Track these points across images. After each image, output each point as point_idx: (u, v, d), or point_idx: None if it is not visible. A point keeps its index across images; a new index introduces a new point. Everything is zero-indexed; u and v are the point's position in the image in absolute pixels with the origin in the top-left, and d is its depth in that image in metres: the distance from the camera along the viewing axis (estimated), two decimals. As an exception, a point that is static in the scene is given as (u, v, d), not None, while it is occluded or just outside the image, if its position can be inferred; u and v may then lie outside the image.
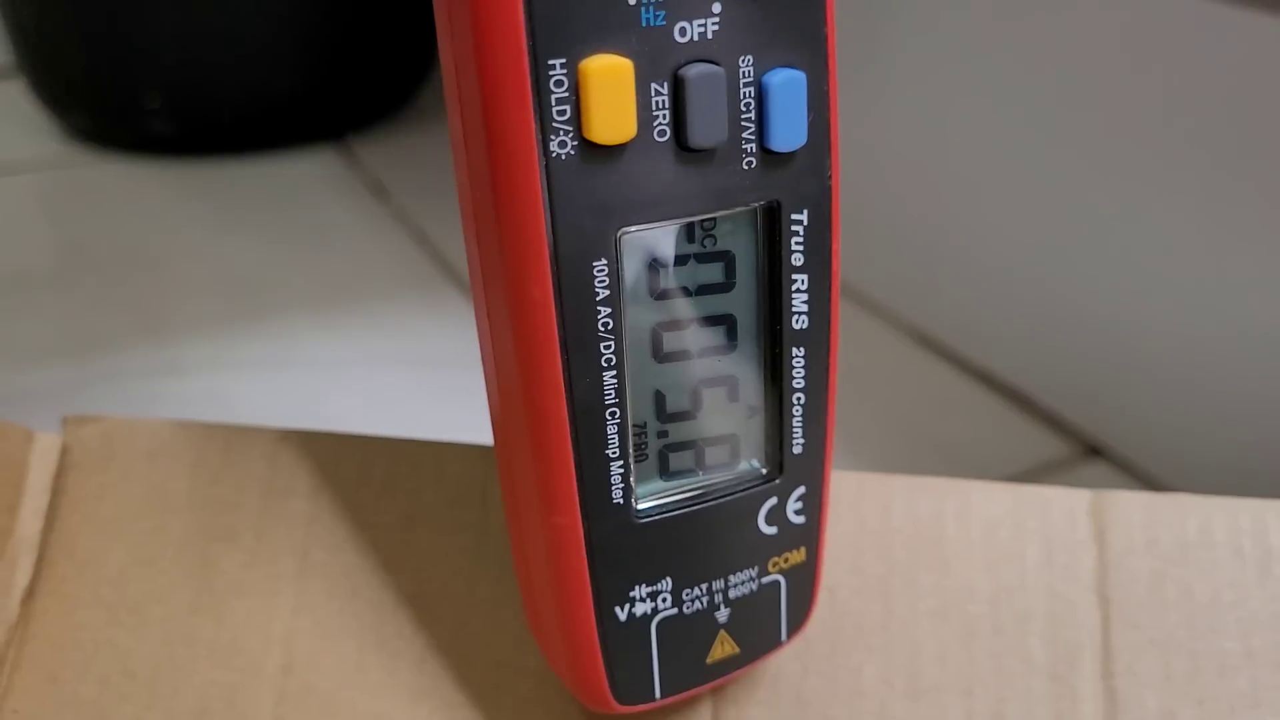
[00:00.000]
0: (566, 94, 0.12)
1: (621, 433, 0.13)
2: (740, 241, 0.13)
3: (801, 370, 0.14)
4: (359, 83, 0.59)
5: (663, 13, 0.12)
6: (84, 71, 0.55)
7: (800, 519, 0.15)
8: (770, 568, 0.15)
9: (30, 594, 0.18)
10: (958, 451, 0.33)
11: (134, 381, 0.40)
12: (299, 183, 0.55)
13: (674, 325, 0.13)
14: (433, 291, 0.46)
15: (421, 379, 0.40)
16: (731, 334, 0.14)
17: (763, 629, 0.15)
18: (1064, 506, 0.17)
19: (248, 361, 0.41)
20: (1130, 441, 0.32)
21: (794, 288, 0.14)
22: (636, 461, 0.14)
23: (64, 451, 0.19)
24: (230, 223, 0.51)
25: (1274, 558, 0.17)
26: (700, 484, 0.14)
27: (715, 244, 0.13)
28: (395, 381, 0.40)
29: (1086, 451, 0.33)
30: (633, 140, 0.12)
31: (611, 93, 0.12)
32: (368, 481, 0.18)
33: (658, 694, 0.14)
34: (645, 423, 0.14)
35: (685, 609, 0.14)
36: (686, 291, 0.13)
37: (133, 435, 0.19)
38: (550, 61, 0.12)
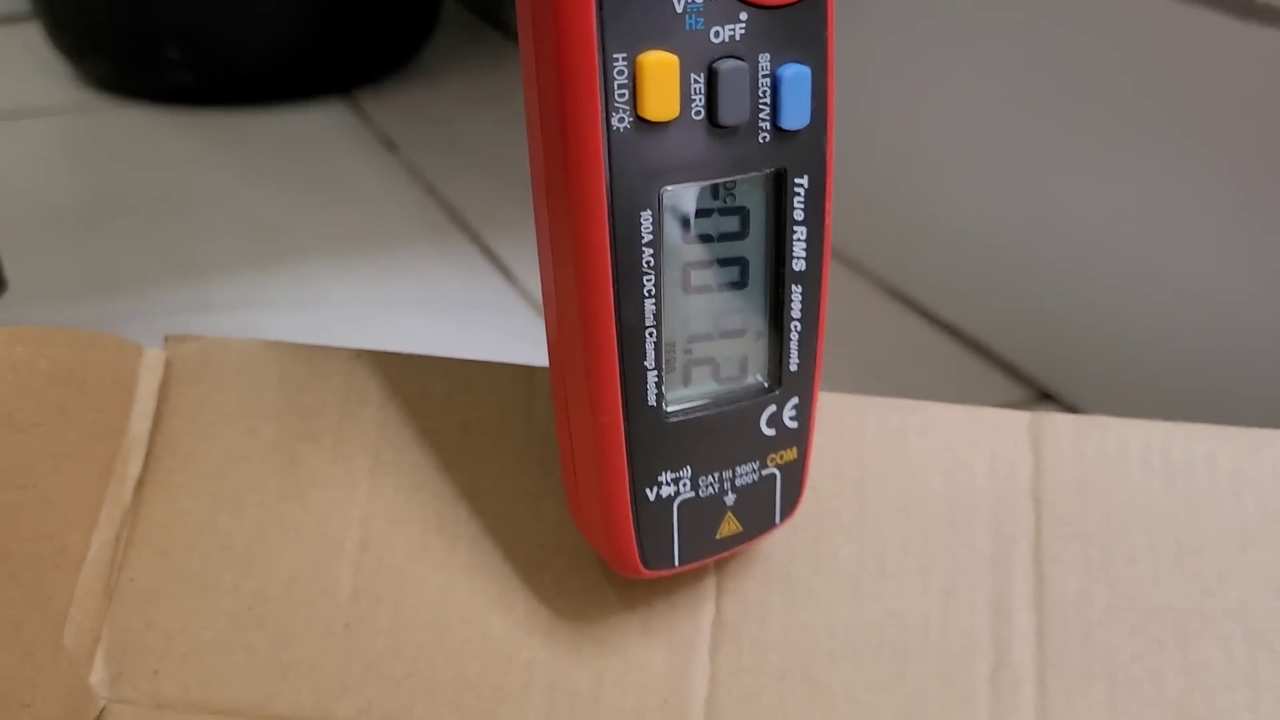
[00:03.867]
0: (626, 81, 0.15)
1: (656, 349, 0.17)
2: (754, 199, 0.17)
3: (799, 303, 0.17)
4: (366, 40, 0.62)
5: (701, 19, 0.15)
6: (106, 21, 0.57)
7: (794, 424, 0.18)
8: (769, 462, 0.18)
9: (141, 484, 0.21)
10: (923, 394, 0.37)
11: (165, 318, 0.43)
12: (312, 134, 0.58)
13: (699, 265, 0.17)
14: (441, 238, 0.49)
15: (431, 317, 0.43)
16: (744, 273, 0.17)
17: (761, 512, 0.19)
18: (1008, 425, 0.21)
19: (272, 301, 0.44)
20: (1076, 388, 0.35)
21: (795, 238, 0.17)
22: (667, 373, 0.17)
23: (167, 365, 0.22)
24: (249, 170, 0.54)
25: (1176, 470, 0.20)
26: (716, 392, 0.18)
27: (734, 201, 0.17)
28: (407, 319, 0.43)
29: (1039, 396, 0.37)
30: (675, 118, 0.15)
31: (660, 80, 0.15)
32: (429, 395, 0.21)
33: (676, 562, 0.18)
34: (675, 342, 0.17)
35: (700, 493, 0.18)
36: (709, 238, 0.17)
37: (227, 352, 0.22)
38: (615, 55, 0.15)
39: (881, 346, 0.40)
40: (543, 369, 0.20)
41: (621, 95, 0.15)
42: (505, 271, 0.46)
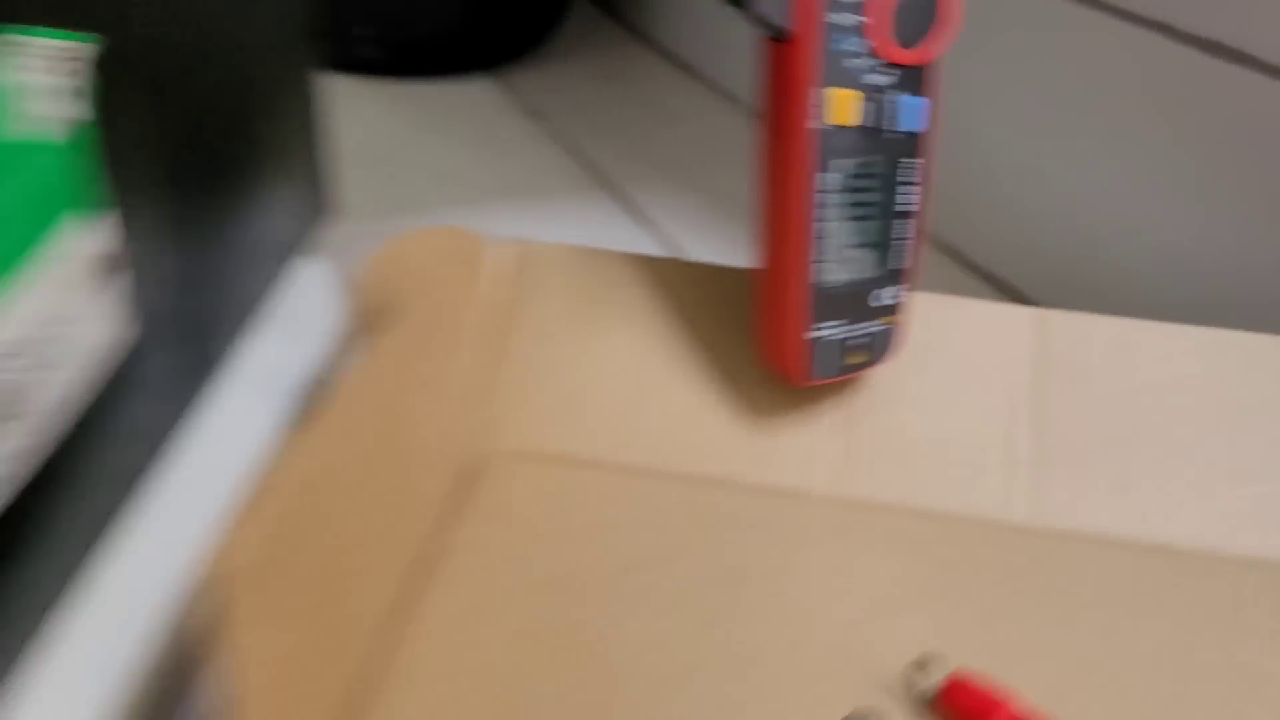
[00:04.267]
0: (825, 102, 0.28)
1: (825, 250, 0.30)
2: (886, 169, 0.30)
3: (905, 230, 0.31)
4: (510, 26, 0.75)
5: (876, 74, 0.28)
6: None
7: (899, 300, 0.32)
8: (882, 322, 0.32)
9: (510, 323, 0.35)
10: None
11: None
12: (471, 103, 0.71)
13: (854, 204, 0.30)
14: (585, 191, 0.62)
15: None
16: (876, 211, 0.31)
17: (877, 352, 0.32)
18: (1016, 317, 0.34)
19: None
20: (1048, 293, 0.48)
21: (905, 193, 0.30)
22: (830, 264, 0.31)
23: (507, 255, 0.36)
24: (424, 130, 0.67)
25: (1132, 351, 0.34)
26: (859, 276, 0.31)
27: (875, 169, 0.30)
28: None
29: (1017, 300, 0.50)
30: (852, 125, 0.29)
31: (846, 104, 0.28)
32: (676, 286, 0.35)
33: (827, 376, 0.31)
34: (836, 246, 0.31)
35: (844, 336, 0.31)
36: (860, 189, 0.30)
37: (544, 250, 0.35)
38: (821, 90, 0.28)
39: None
40: (739, 269, 0.34)
41: (824, 110, 0.28)
42: (640, 217, 0.60)
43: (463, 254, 0.34)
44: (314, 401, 0.33)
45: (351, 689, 0.25)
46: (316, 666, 0.23)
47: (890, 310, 0.32)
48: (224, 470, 0.31)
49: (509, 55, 0.76)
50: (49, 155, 0.23)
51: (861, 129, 0.29)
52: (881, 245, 0.31)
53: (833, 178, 0.29)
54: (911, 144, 0.30)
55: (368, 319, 0.31)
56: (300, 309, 0.39)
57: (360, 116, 0.68)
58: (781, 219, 0.30)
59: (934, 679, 0.26)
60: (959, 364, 0.34)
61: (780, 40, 0.28)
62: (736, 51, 0.73)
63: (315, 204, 0.47)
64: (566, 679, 0.26)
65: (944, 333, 0.34)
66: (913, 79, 0.29)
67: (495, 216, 0.59)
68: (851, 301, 0.31)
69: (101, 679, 0.26)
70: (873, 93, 0.29)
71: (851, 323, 0.31)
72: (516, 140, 0.68)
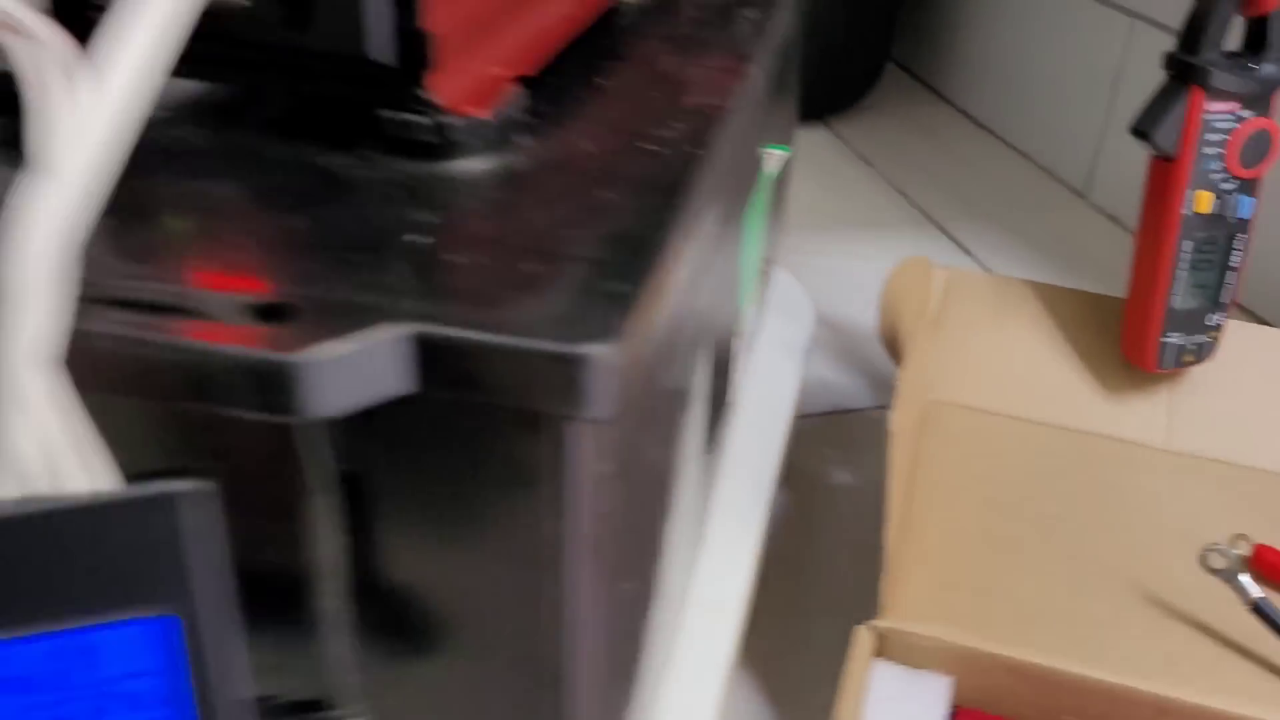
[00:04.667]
0: (1193, 199, 0.46)
1: (1176, 283, 0.48)
2: (1224, 241, 0.48)
3: (1230, 279, 0.48)
4: (838, 84, 0.94)
5: (1225, 182, 0.46)
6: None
7: (1220, 323, 0.49)
8: (1209, 336, 0.49)
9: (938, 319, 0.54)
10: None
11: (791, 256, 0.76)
12: (813, 148, 0.91)
13: (1200, 260, 0.48)
14: (918, 228, 0.81)
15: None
16: (1214, 265, 0.48)
17: (1203, 350, 0.49)
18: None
19: (831, 251, 0.77)
20: None
21: (1234, 255, 0.48)
22: (1180, 294, 0.48)
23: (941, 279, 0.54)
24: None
25: None
26: (1197, 305, 0.48)
27: (1217, 240, 0.48)
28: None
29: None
30: (1207, 212, 0.46)
31: (1205, 201, 0.46)
32: (1067, 311, 0.53)
33: (1167, 367, 0.49)
34: (1185, 280, 0.48)
35: (1183, 343, 0.49)
36: (1205, 252, 0.48)
37: (963, 274, 0.54)
38: (1190, 191, 0.46)
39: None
40: (1120, 300, 0.52)
41: (1190, 203, 0.46)
42: (964, 249, 0.78)
43: (923, 275, 0.53)
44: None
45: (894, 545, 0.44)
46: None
47: (1215, 329, 0.49)
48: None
49: (836, 108, 0.95)
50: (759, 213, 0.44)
51: (1212, 215, 0.47)
52: (1214, 287, 0.48)
53: (1189, 243, 0.47)
54: (1243, 226, 0.47)
55: (886, 323, 0.51)
56: (786, 302, 0.59)
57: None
58: (1153, 265, 0.48)
59: (1247, 548, 0.43)
60: (1254, 367, 0.51)
61: (1168, 160, 0.46)
62: (1022, 114, 0.90)
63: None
64: (1022, 529, 0.44)
65: (1242, 347, 0.51)
66: (1248, 186, 0.47)
67: (849, 243, 0.77)
68: (1190, 320, 0.48)
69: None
70: (1221, 194, 0.46)
71: (1188, 334, 0.49)
72: (853, 180, 0.87)
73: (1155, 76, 0.46)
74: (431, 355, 0.19)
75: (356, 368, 0.19)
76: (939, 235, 0.80)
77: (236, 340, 0.19)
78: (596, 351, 0.19)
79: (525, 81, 0.27)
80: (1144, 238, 0.48)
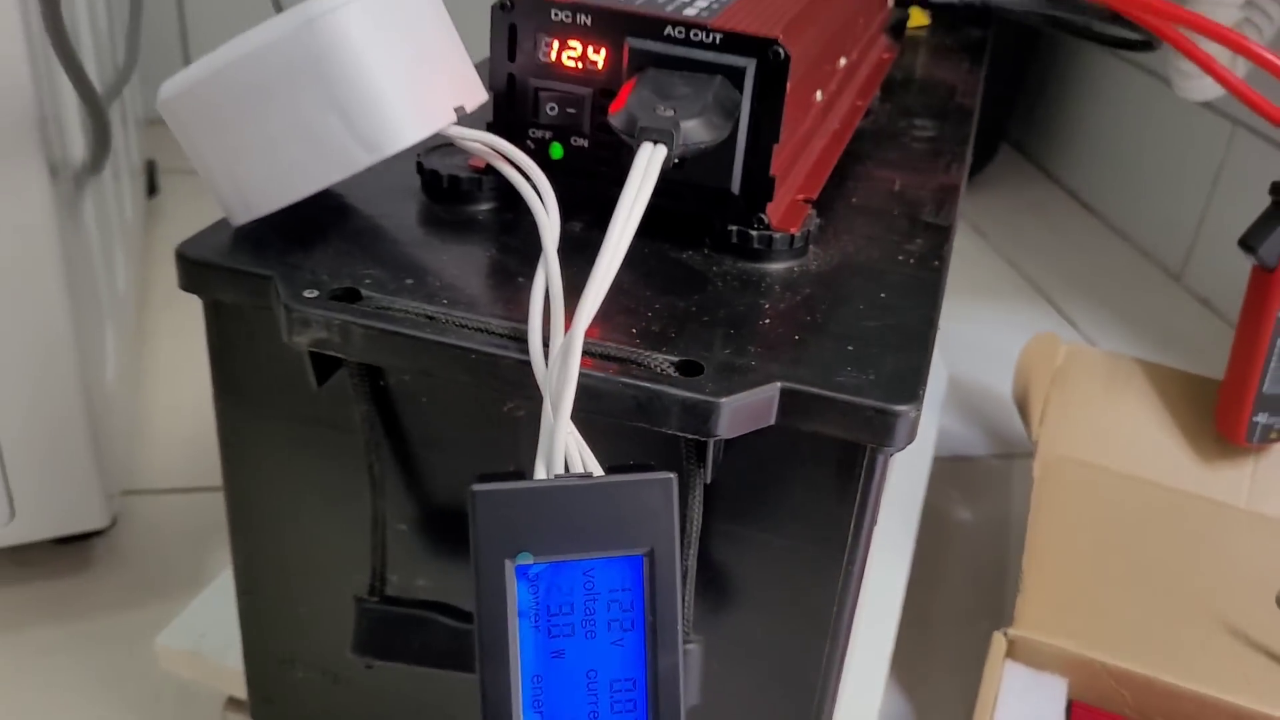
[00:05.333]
0: (1287, 304, 0.56)
1: (1271, 373, 0.57)
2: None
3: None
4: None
5: (1312, 291, 0.55)
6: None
7: (1303, 408, 0.58)
8: (1293, 418, 0.58)
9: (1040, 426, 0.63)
10: None
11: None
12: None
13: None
14: (1024, 298, 0.90)
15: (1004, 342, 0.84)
16: (1300, 359, 0.57)
17: (1285, 433, 0.59)
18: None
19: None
20: None
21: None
22: (1270, 376, 0.57)
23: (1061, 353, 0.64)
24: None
25: None
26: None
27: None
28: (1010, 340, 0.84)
29: None
30: (1298, 315, 0.56)
31: (1297, 305, 0.56)
32: (1165, 388, 0.63)
33: (1255, 442, 0.58)
34: (1271, 365, 0.57)
35: (1270, 422, 0.58)
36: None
37: (1080, 349, 0.64)
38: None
39: None
40: (1213, 380, 0.61)
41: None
42: (1071, 323, 0.87)
43: (1051, 349, 0.63)
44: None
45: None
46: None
47: (1297, 412, 0.58)
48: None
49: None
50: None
51: (1303, 318, 0.56)
52: (1300, 378, 0.58)
53: (1281, 340, 0.56)
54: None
55: (1019, 387, 0.60)
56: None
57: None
58: (1249, 355, 0.57)
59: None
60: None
61: (1268, 271, 0.55)
62: (1126, 199, 0.99)
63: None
64: (1141, 555, 0.54)
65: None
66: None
67: (963, 308, 0.87)
68: (1277, 404, 0.58)
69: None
70: (1312, 301, 0.56)
71: (1274, 415, 0.58)
72: (969, 251, 0.97)
73: (1252, 177, 0.56)
74: (792, 403, 0.30)
75: (750, 409, 0.29)
76: (1046, 306, 0.90)
77: (674, 387, 0.29)
78: (904, 409, 0.29)
79: (812, 202, 0.38)
80: (1243, 331, 0.58)
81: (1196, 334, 0.86)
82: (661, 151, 0.31)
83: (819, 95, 0.40)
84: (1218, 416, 0.60)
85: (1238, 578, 0.54)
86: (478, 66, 0.36)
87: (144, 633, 0.53)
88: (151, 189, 0.91)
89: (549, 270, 0.30)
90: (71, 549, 0.59)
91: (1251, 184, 0.55)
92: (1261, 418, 0.58)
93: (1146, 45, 0.62)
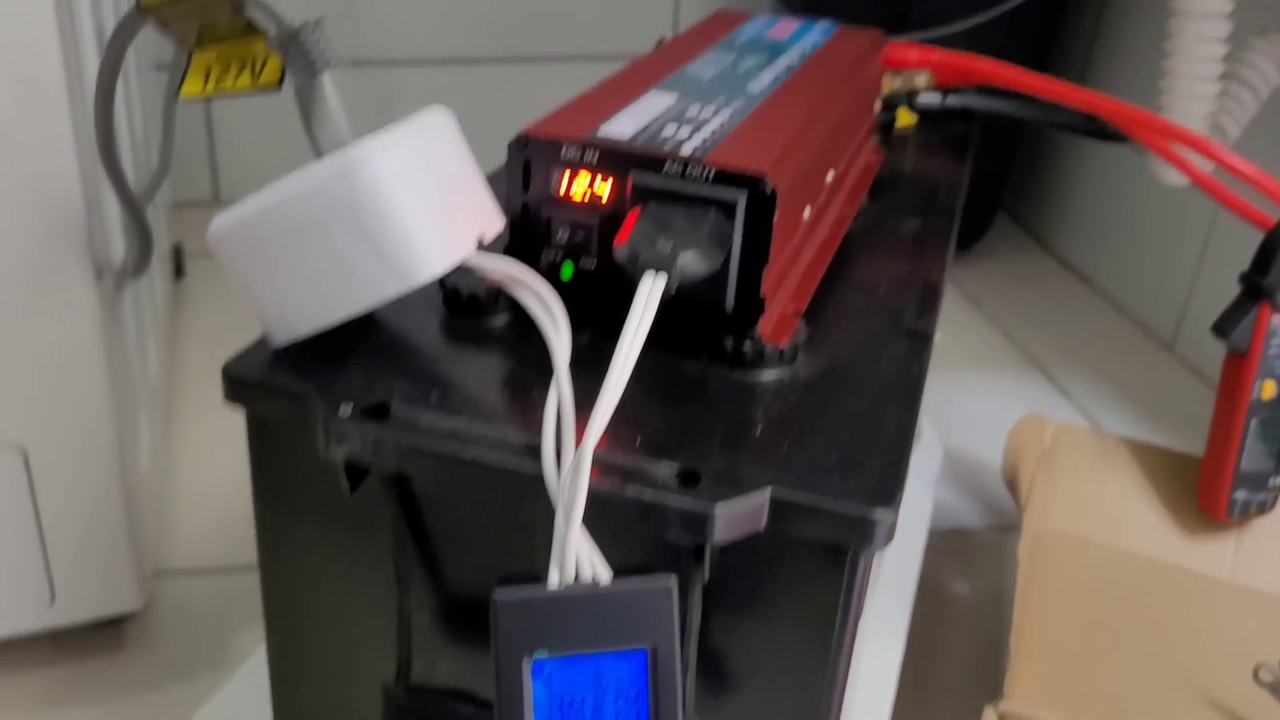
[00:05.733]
0: (1260, 386, 0.58)
1: (1243, 452, 0.60)
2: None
3: (1290, 449, 0.60)
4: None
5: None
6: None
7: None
8: (1272, 493, 0.61)
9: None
10: None
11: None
12: (929, 288, 1.04)
13: (1264, 434, 0.60)
14: (1019, 369, 0.93)
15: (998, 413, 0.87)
16: (1276, 436, 0.60)
17: (1265, 504, 0.61)
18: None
19: (936, 386, 0.89)
20: None
21: None
22: (1245, 459, 0.60)
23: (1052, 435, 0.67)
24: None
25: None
26: (1262, 469, 0.61)
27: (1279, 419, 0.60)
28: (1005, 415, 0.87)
29: None
30: (1270, 399, 0.59)
31: (1270, 389, 0.58)
32: (1149, 467, 0.65)
33: (1235, 517, 0.61)
34: (1257, 450, 0.60)
35: (1248, 499, 0.61)
36: (1269, 427, 0.60)
37: (1066, 428, 0.67)
38: (1258, 380, 0.58)
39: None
40: (1195, 457, 0.64)
41: (1258, 390, 0.59)
42: (1064, 393, 0.90)
43: (1039, 430, 0.66)
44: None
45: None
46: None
47: (1276, 488, 0.61)
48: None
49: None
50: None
51: (1275, 401, 0.59)
52: (1275, 456, 0.60)
53: (1255, 421, 0.59)
54: (1300, 410, 0.60)
55: (1009, 467, 0.63)
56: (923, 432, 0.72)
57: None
58: (1226, 435, 0.60)
59: (1293, 668, 0.55)
60: (1307, 521, 0.63)
61: (1240, 355, 0.58)
62: (1118, 268, 1.03)
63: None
64: (1136, 619, 0.56)
65: (1300, 503, 0.63)
66: (1306, 379, 0.59)
67: (959, 379, 0.90)
68: (1256, 481, 0.61)
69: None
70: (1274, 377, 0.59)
71: (1253, 491, 0.61)
72: (964, 321, 1.00)
73: (1238, 247, 0.58)
74: (781, 509, 0.33)
75: (743, 516, 0.33)
76: (1040, 377, 0.93)
77: (677, 497, 0.32)
78: (882, 515, 0.32)
79: (801, 313, 0.41)
80: (1220, 412, 0.61)
81: (1189, 404, 0.89)
82: (661, 282, 0.34)
83: (807, 212, 0.43)
84: (1199, 493, 0.63)
85: (1220, 650, 0.56)
86: (492, 179, 0.40)
87: (179, 713, 0.55)
88: (178, 271, 0.95)
89: (560, 390, 0.33)
90: (106, 630, 0.62)
91: (1238, 254, 0.59)
92: (1240, 494, 0.61)
93: (1123, 138, 0.66)
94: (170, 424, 0.78)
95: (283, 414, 0.37)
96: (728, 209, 0.37)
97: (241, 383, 0.37)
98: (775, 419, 0.37)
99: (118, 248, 0.59)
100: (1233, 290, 0.59)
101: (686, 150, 0.38)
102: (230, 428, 0.39)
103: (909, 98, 0.61)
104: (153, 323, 0.73)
